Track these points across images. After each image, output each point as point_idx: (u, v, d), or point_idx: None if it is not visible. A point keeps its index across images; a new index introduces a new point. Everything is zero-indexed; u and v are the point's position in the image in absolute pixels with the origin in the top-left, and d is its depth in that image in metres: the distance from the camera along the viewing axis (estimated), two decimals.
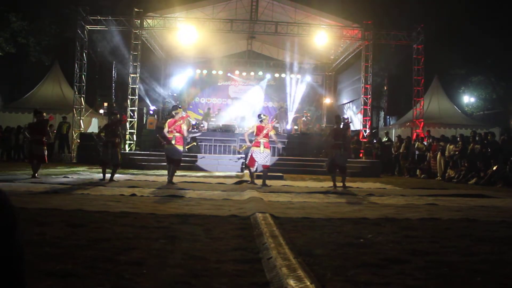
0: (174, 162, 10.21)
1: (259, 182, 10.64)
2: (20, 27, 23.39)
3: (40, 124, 11.01)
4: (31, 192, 7.45)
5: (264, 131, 10.41)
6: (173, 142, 10.08)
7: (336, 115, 11.95)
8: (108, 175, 10.42)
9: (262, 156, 10.41)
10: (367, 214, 6.11)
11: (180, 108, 10.82)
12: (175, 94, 24.85)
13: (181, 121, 10.28)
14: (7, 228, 1.34)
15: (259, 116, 11.02)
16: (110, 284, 2.65)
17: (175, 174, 10.58)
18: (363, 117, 20.06)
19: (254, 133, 10.56)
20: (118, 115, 11.44)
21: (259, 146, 10.38)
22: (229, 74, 25.92)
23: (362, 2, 25.25)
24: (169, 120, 10.44)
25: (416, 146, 18.02)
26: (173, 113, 10.50)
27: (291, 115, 24.22)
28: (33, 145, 10.93)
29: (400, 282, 2.96)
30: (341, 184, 10.41)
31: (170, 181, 10.09)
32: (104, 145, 10.68)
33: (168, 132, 10.12)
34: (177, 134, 10.12)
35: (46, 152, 10.89)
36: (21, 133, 18.16)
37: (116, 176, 10.73)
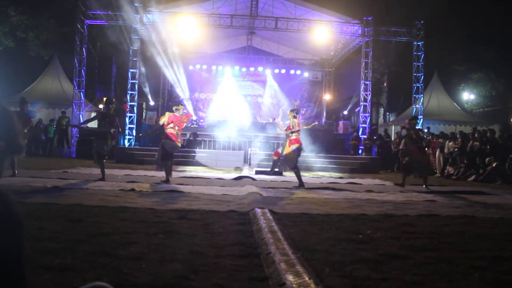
0: (171, 156, 9.88)
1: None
2: (19, 21, 23.30)
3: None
4: (30, 187, 7.44)
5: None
6: (179, 140, 9.76)
7: (413, 116, 11.83)
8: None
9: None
10: (366, 210, 6.12)
11: (182, 105, 10.45)
12: (174, 90, 24.78)
13: (185, 118, 10.06)
14: (13, 231, 1.38)
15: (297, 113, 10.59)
16: (108, 279, 2.65)
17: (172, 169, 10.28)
18: (363, 113, 20.06)
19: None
20: (113, 105, 10.34)
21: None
22: (226, 69, 25.83)
23: None
24: (170, 115, 9.87)
25: None
26: (174, 108, 10.04)
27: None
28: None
29: (398, 277, 2.97)
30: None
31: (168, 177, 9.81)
32: (99, 137, 9.59)
33: (170, 128, 9.63)
34: (179, 132, 9.82)
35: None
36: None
37: (115, 171, 10.71)
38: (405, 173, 10.46)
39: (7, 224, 1.37)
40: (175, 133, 9.63)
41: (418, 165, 10.09)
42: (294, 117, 10.03)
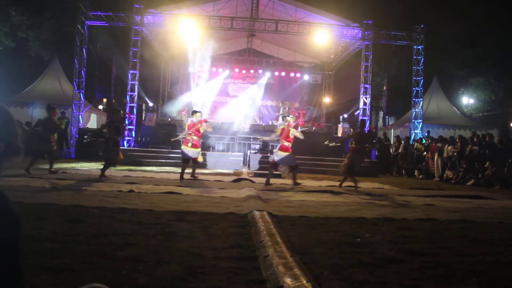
0: (192, 160, 10.87)
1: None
2: (20, 21, 23.34)
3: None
4: (29, 187, 7.44)
5: (284, 133, 10.23)
6: (189, 144, 10.69)
7: (361, 119, 12.20)
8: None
9: (279, 157, 10.23)
10: (364, 213, 6.11)
11: (198, 112, 11.21)
12: (174, 92, 24.82)
13: (199, 124, 10.83)
14: (11, 231, 1.38)
15: (283, 117, 11.02)
16: (106, 280, 2.65)
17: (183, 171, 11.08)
18: (362, 117, 20.07)
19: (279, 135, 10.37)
20: (122, 112, 11.34)
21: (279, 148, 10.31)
22: (227, 71, 25.85)
23: (363, 1, 25.25)
24: (188, 123, 11.07)
25: (414, 146, 18.04)
26: (193, 116, 11.07)
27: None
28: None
29: (396, 281, 2.96)
30: (347, 184, 10.49)
31: (192, 175, 10.99)
32: (106, 142, 10.49)
33: (187, 134, 10.78)
34: (195, 138, 10.70)
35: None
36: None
37: (114, 171, 10.77)
38: (347, 174, 10.49)
39: (5, 224, 1.37)
40: (189, 138, 10.75)
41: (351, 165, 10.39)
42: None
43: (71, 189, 7.64)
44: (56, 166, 11.34)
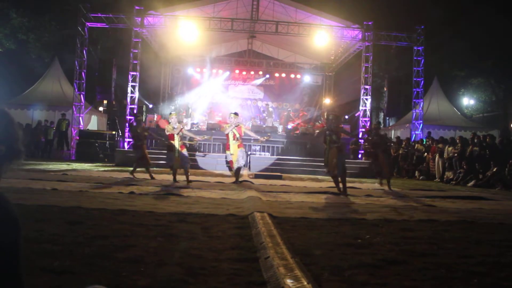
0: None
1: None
2: (20, 23, 23.37)
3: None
4: (30, 188, 7.43)
5: None
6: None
7: (377, 122, 12.42)
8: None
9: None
10: (365, 214, 6.11)
11: (232, 113, 11.30)
12: (174, 93, 24.82)
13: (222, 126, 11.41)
14: (10, 233, 1.38)
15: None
16: (107, 281, 2.65)
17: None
18: (363, 118, 20.08)
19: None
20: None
21: None
22: (228, 73, 25.87)
23: (363, 3, 25.28)
24: None
25: (415, 147, 18.03)
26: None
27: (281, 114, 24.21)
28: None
29: (397, 283, 2.96)
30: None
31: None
32: (171, 150, 10.71)
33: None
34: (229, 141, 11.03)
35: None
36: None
37: (114, 173, 10.80)
38: (378, 176, 11.35)
39: (5, 226, 1.37)
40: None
41: (380, 167, 10.96)
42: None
43: (71, 190, 7.63)
44: (64, 167, 11.35)
